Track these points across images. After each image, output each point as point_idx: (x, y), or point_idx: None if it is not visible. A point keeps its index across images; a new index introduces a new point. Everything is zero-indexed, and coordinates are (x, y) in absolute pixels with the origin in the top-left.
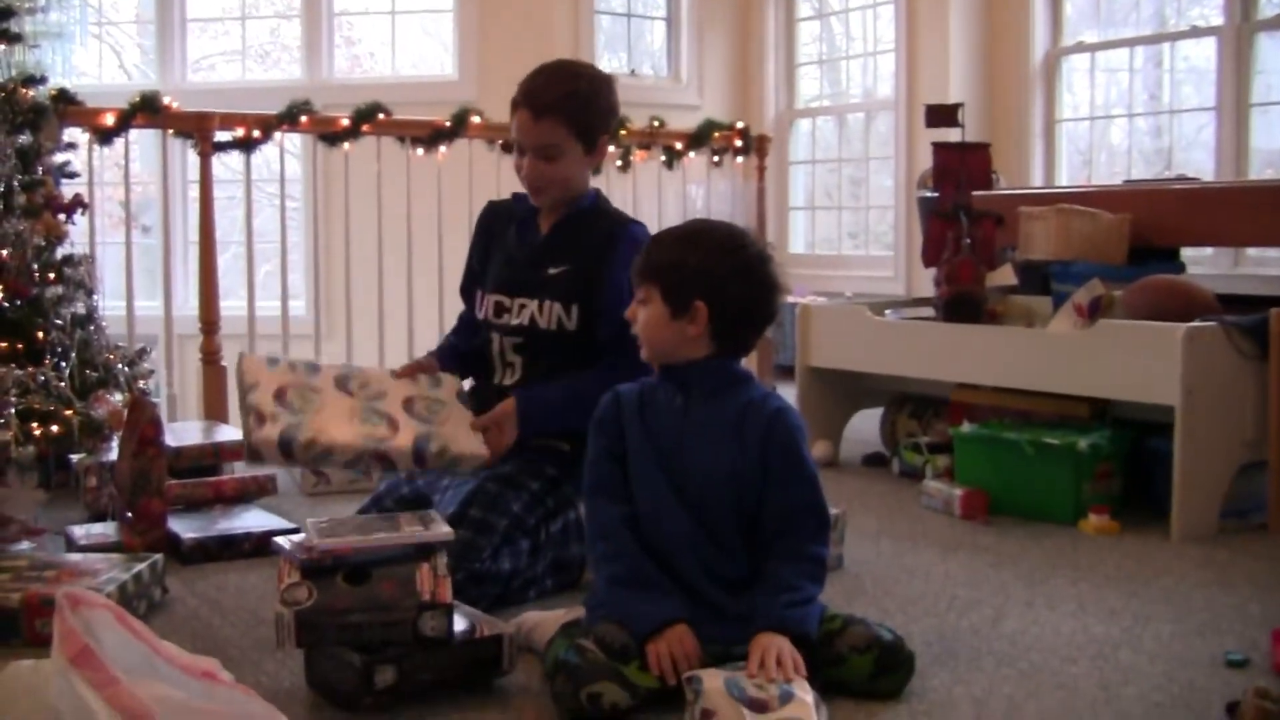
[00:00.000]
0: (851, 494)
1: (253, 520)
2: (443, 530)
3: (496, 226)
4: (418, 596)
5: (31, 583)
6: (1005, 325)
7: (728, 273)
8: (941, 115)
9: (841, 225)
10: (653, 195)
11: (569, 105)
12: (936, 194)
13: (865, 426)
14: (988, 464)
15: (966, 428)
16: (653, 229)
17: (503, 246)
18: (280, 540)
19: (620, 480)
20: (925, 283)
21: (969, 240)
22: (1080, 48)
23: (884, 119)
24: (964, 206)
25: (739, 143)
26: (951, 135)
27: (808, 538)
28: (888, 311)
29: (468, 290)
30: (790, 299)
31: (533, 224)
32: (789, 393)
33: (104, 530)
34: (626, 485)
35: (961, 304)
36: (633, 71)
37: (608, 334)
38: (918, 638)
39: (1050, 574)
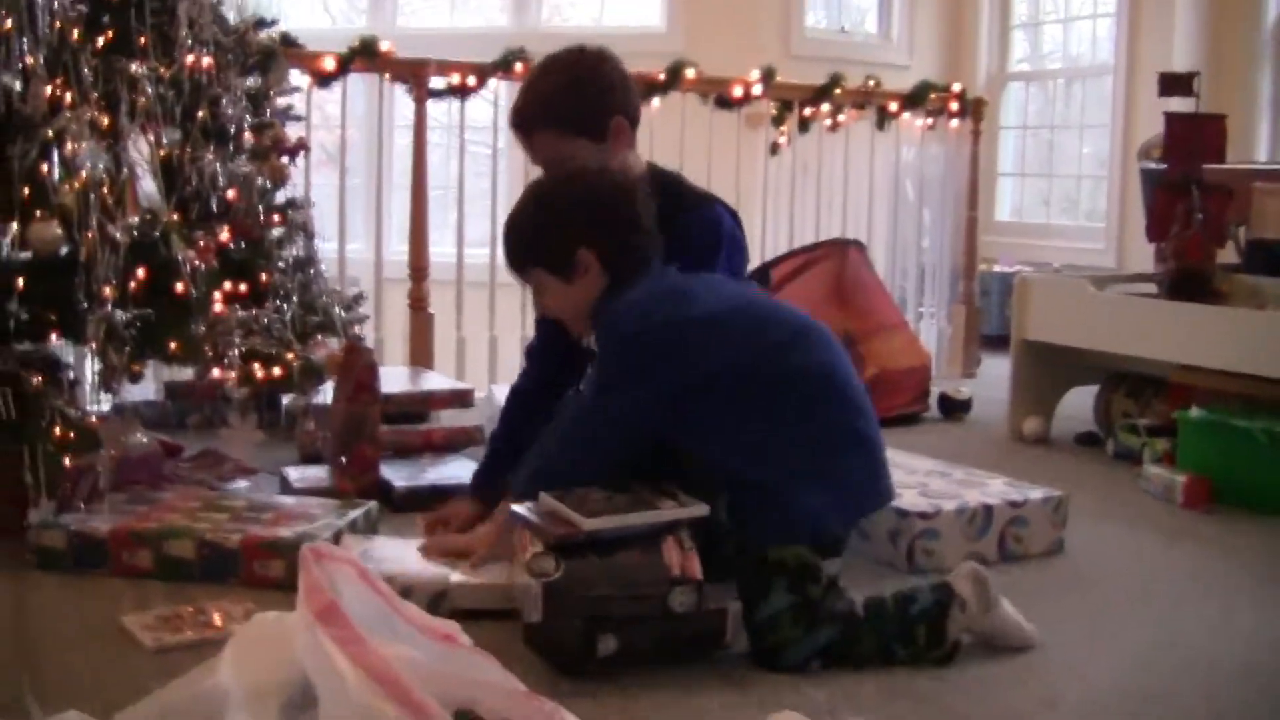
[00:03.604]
0: (1067, 474)
1: (462, 470)
2: (699, 507)
3: None
4: (668, 571)
5: (249, 524)
6: (1231, 305)
7: (587, 208)
8: (1176, 84)
9: (1051, 194)
10: (864, 156)
11: (550, 109)
12: (1164, 165)
13: (1079, 404)
14: (1214, 451)
15: (1195, 412)
16: (865, 192)
17: None
18: (520, 510)
19: None
20: (1138, 256)
21: (1200, 215)
22: None
23: (1097, 84)
24: (1196, 180)
25: (954, 105)
26: (1181, 105)
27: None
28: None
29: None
30: (998, 268)
31: None
32: (1002, 366)
33: (318, 474)
34: None
35: (1189, 281)
36: (843, 28)
37: None
38: (1141, 628)
39: None
